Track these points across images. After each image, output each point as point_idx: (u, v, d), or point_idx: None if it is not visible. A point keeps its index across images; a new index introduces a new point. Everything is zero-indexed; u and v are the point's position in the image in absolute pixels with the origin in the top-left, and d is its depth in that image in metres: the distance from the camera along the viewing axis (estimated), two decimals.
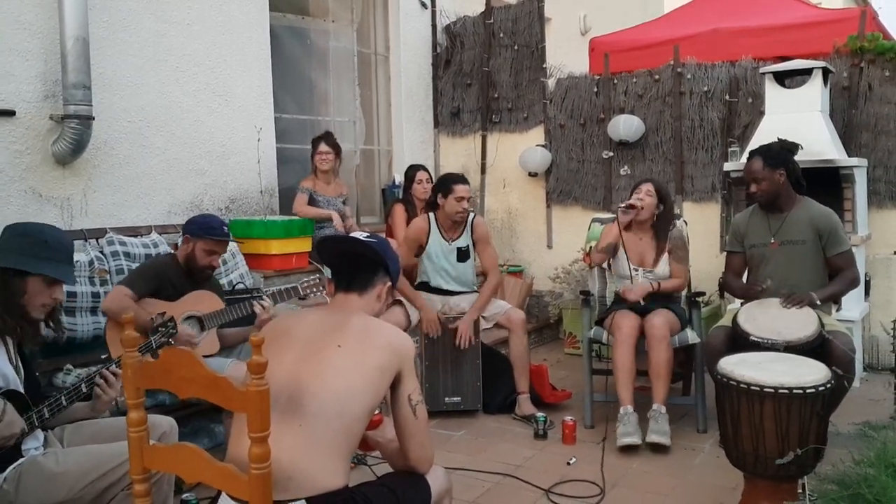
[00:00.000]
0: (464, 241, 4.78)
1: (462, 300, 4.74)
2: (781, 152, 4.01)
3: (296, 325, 2.17)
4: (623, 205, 4.29)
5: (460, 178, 4.70)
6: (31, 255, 2.46)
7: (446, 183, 4.68)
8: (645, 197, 4.29)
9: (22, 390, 2.49)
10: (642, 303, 4.27)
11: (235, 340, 3.87)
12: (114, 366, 2.66)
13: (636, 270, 4.36)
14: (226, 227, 3.80)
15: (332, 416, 1.95)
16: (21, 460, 2.42)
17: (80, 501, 2.40)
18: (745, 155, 5.20)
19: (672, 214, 4.44)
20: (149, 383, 1.91)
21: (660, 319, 4.13)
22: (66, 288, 3.82)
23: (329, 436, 1.94)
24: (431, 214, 4.79)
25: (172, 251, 4.53)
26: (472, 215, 4.82)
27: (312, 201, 5.43)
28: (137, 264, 4.26)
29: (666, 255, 4.33)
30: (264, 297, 3.77)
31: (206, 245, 3.72)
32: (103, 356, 3.49)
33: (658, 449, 3.94)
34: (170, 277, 3.72)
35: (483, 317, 4.68)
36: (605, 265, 4.51)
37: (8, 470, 2.38)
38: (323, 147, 5.49)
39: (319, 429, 1.93)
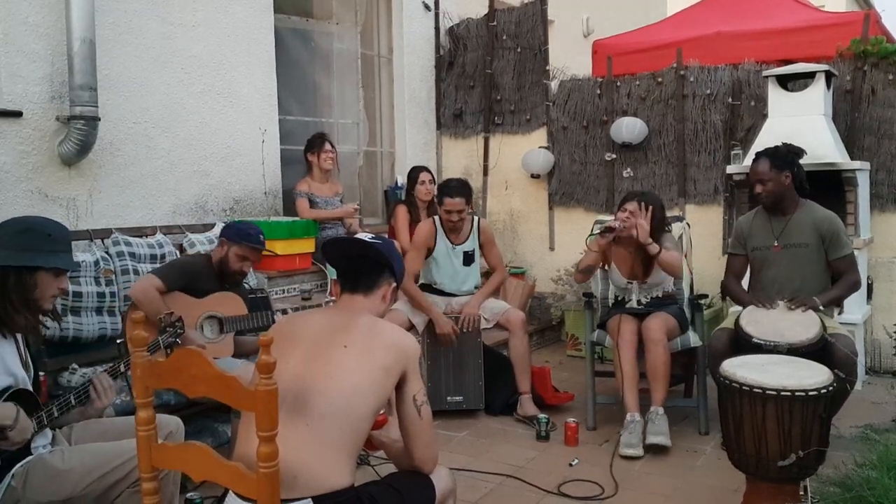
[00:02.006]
0: (470, 244, 4.79)
1: (464, 301, 4.75)
2: (788, 155, 4.02)
3: (302, 325, 2.19)
4: (598, 230, 4.16)
5: (455, 190, 4.61)
6: (37, 251, 2.49)
7: (441, 193, 4.68)
8: (629, 217, 4.15)
9: (30, 388, 2.51)
10: (643, 301, 4.29)
11: (250, 349, 3.88)
12: (105, 374, 2.68)
13: (630, 283, 4.35)
14: (262, 237, 3.84)
15: (339, 416, 1.97)
16: (29, 458, 2.44)
17: (85, 499, 2.43)
18: (749, 157, 5.25)
19: (662, 224, 4.31)
20: (158, 383, 1.94)
21: (656, 322, 4.13)
22: (72, 288, 3.90)
23: (335, 435, 1.96)
24: (437, 217, 4.81)
25: (178, 251, 4.58)
26: (476, 219, 4.83)
27: (311, 204, 5.44)
28: (143, 265, 4.29)
29: (657, 265, 4.23)
30: (289, 310, 3.81)
31: (241, 251, 3.77)
32: (119, 341, 3.52)
33: (659, 450, 3.95)
34: (201, 277, 3.76)
35: (484, 317, 4.70)
36: (606, 267, 4.52)
37: (16, 467, 2.40)
38: (327, 146, 5.51)
39: (326, 428, 1.95)
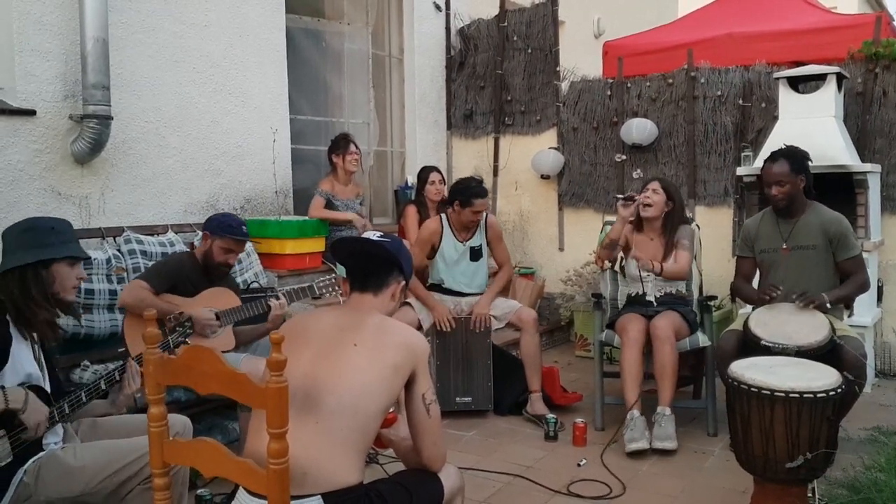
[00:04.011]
0: (477, 240, 4.81)
1: (474, 301, 4.76)
2: (803, 157, 4.01)
3: (313, 324, 2.20)
4: (622, 197, 4.25)
5: (481, 191, 4.66)
6: (45, 245, 2.52)
7: (466, 194, 4.63)
8: (652, 195, 4.27)
9: (44, 386, 2.54)
10: (658, 295, 4.29)
11: (250, 338, 3.90)
12: (133, 361, 2.71)
13: (647, 273, 4.37)
14: (244, 227, 3.84)
15: (348, 414, 1.98)
16: (41, 454, 2.47)
17: (97, 495, 2.45)
18: (759, 159, 5.23)
19: (682, 213, 4.43)
20: (170, 379, 1.96)
21: (664, 321, 4.14)
22: (84, 286, 3.93)
23: (345, 433, 1.98)
24: (444, 215, 4.82)
25: (189, 249, 4.60)
26: (485, 214, 4.84)
27: (330, 205, 5.44)
28: (154, 262, 4.31)
29: (673, 254, 4.29)
30: (280, 294, 3.81)
31: (224, 243, 3.76)
32: (120, 349, 3.54)
33: (664, 453, 3.96)
34: (187, 274, 3.76)
35: (494, 316, 4.71)
36: (616, 268, 4.52)
37: (28, 463, 2.43)
38: (352, 148, 5.52)
39: (335, 426, 1.97)
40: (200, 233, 4.73)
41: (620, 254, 4.44)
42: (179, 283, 3.71)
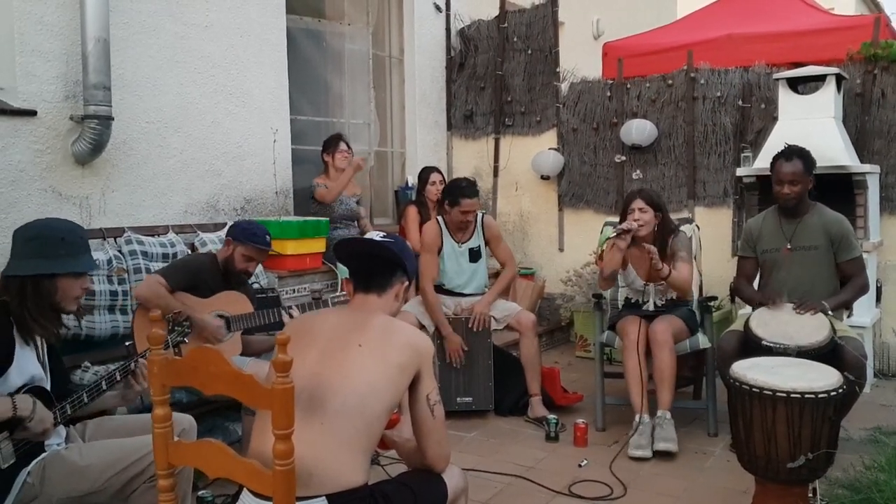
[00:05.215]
0: (475, 241, 4.82)
1: (474, 301, 4.76)
2: (812, 158, 4.01)
3: (318, 324, 2.21)
4: (614, 232, 4.17)
5: (469, 191, 4.67)
6: (51, 257, 2.48)
7: (454, 194, 4.68)
8: (640, 216, 4.19)
9: (47, 387, 2.54)
10: (658, 304, 4.28)
11: (259, 349, 3.88)
12: (143, 359, 2.72)
13: (646, 286, 4.35)
14: (268, 237, 3.82)
15: (354, 414, 1.99)
16: (43, 455, 2.47)
17: (103, 493, 2.45)
18: (758, 160, 5.26)
19: (671, 222, 4.37)
20: (175, 380, 1.95)
21: (662, 325, 4.13)
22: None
23: (350, 433, 1.98)
24: (440, 218, 4.83)
25: (189, 250, 4.61)
26: (481, 215, 4.84)
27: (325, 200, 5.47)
28: (155, 263, 4.31)
29: (673, 265, 4.23)
30: (294, 307, 3.81)
31: (247, 251, 3.75)
32: (127, 343, 3.53)
33: (665, 454, 3.96)
34: (206, 276, 3.75)
35: (493, 318, 4.71)
36: (622, 270, 4.51)
37: (32, 464, 2.43)
38: (343, 146, 5.57)
39: (341, 426, 1.97)
40: (201, 234, 4.76)
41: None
42: (198, 283, 3.70)
